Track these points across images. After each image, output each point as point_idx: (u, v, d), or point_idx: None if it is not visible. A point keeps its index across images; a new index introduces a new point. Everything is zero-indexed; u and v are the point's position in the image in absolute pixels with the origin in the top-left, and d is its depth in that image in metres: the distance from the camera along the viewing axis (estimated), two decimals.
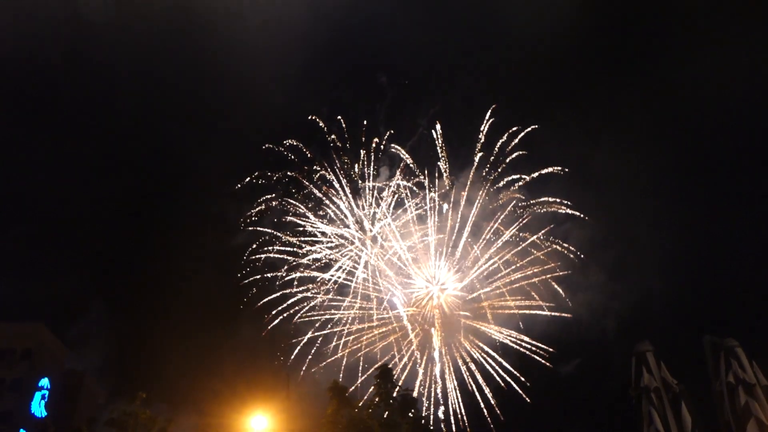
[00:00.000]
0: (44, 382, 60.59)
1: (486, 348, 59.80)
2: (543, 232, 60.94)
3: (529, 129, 63.62)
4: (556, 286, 59.59)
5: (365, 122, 65.53)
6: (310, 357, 59.52)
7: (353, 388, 55.02)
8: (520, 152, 63.43)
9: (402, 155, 65.44)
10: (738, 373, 7.30)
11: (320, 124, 66.57)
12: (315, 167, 65.11)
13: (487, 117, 64.15)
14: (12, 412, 57.59)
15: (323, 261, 63.05)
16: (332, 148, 65.74)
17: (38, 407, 59.24)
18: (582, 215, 60.59)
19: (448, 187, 64.77)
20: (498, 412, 56.97)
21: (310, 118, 66.97)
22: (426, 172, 64.40)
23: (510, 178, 63.26)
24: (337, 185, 64.80)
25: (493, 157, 64.19)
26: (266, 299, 61.19)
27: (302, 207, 64.40)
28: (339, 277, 62.67)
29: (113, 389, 59.99)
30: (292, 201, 64.44)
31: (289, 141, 66.88)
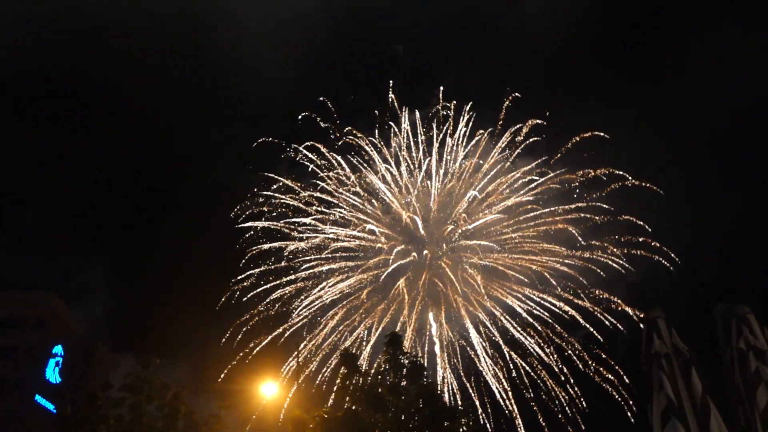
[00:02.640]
0: (57, 349, 61.59)
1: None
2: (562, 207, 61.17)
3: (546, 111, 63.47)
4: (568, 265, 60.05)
5: (378, 98, 65.43)
6: (324, 328, 60.30)
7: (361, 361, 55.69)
8: (538, 121, 63.27)
9: (412, 130, 65.33)
10: (749, 339, 7.33)
11: (329, 104, 66.40)
12: (320, 147, 65.12)
13: (506, 98, 63.81)
14: (27, 379, 58.71)
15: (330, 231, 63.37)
16: (342, 124, 65.62)
17: (52, 374, 60.34)
18: (597, 193, 60.66)
19: (462, 164, 64.72)
20: (504, 383, 57.74)
21: (321, 99, 66.86)
22: (437, 147, 64.43)
23: (528, 151, 63.28)
24: (342, 160, 64.84)
25: (510, 134, 64.11)
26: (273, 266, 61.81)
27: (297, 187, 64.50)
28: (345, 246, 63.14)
29: (124, 353, 61.02)
30: (289, 182, 64.46)
31: (301, 116, 66.87)
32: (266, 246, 62.26)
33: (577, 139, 61.91)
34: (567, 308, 58.78)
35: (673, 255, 57.48)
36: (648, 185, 59.99)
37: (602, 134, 62.15)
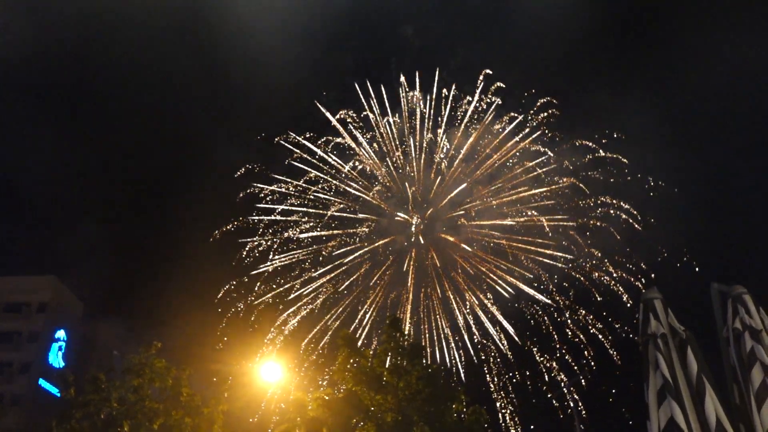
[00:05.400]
0: (60, 333, 61.99)
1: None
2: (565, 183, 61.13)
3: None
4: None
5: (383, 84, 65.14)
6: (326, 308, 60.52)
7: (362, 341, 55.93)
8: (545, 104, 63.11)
9: (420, 115, 65.05)
10: (745, 319, 7.35)
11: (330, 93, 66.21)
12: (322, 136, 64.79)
13: (524, 94, 63.54)
14: (31, 363, 59.22)
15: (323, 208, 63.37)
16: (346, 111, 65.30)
17: (56, 358, 60.83)
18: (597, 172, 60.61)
19: (466, 149, 64.57)
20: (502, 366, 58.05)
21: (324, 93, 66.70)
22: (444, 132, 64.16)
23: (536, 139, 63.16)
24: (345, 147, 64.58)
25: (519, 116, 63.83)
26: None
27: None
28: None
29: (125, 336, 61.46)
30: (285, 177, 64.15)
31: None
32: (265, 238, 62.30)
33: (596, 140, 61.87)
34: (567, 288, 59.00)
35: (673, 243, 57.74)
36: (652, 180, 60.16)
37: (614, 131, 62.29)
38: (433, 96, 65.04)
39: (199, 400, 24.46)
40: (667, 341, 7.58)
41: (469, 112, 64.38)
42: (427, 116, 65.01)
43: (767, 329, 7.66)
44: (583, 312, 58.23)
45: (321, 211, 63.40)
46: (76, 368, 58.19)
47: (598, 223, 60.07)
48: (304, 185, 63.86)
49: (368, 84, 64.87)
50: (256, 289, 61.08)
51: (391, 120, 65.08)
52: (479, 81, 64.31)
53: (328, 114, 64.54)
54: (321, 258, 62.21)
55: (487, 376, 57.99)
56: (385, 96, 65.35)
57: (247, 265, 61.85)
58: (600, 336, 57.28)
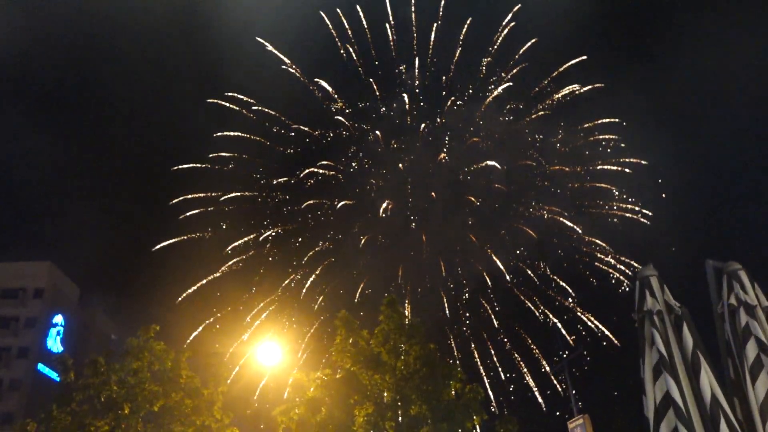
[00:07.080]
0: (58, 318, 62.15)
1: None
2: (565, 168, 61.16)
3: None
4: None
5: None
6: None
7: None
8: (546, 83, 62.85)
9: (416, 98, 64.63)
10: (740, 295, 7.42)
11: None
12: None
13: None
14: (29, 348, 59.46)
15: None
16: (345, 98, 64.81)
17: (54, 343, 61.06)
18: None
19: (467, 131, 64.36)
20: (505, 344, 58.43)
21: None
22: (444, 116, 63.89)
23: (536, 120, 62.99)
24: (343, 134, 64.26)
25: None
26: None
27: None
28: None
29: (122, 320, 61.62)
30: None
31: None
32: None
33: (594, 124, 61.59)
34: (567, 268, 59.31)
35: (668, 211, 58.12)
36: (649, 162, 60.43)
37: (616, 120, 62.32)
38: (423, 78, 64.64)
39: (198, 381, 24.61)
40: (662, 318, 7.65)
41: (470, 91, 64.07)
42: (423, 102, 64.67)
43: (762, 305, 7.73)
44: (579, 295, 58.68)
45: (321, 201, 63.37)
46: (75, 352, 58.47)
47: (599, 211, 60.37)
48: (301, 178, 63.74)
49: (369, 75, 64.44)
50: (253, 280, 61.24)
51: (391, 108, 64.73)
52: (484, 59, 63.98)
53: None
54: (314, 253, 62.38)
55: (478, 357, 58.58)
56: (382, 86, 65.01)
57: (244, 252, 61.90)
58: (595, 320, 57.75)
